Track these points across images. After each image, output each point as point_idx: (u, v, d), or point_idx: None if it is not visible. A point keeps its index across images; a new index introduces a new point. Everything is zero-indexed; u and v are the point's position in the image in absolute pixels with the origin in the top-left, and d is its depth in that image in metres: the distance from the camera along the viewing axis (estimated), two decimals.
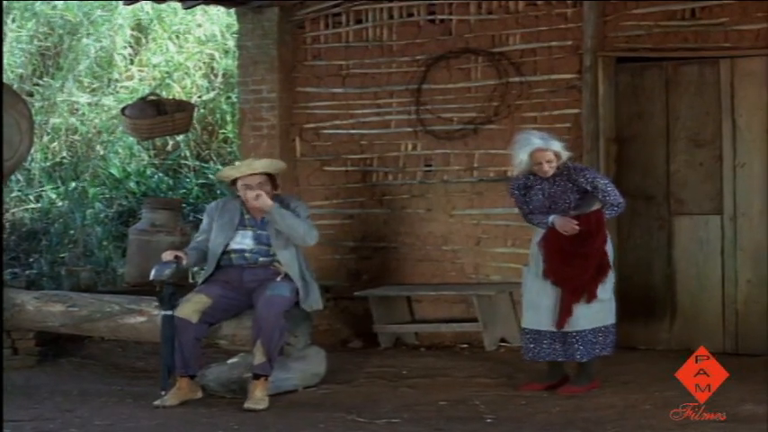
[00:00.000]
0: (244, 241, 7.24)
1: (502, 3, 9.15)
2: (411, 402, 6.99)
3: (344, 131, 9.75)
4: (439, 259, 9.42)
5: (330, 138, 9.79)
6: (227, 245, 7.24)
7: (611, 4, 8.73)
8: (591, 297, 7.12)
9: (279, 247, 7.20)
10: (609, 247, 7.27)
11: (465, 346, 9.04)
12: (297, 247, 7.26)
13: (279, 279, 7.12)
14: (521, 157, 7.25)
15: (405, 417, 6.53)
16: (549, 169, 7.21)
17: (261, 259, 7.21)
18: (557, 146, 7.23)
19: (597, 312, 7.17)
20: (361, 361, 8.42)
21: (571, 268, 7.15)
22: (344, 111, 9.73)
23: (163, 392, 6.93)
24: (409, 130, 9.51)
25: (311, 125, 9.84)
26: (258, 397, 6.81)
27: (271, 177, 7.30)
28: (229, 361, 7.34)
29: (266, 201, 7.11)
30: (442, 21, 9.39)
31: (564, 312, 7.12)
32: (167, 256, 7.20)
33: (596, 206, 7.21)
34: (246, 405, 6.75)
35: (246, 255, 7.22)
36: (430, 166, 9.46)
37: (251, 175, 7.21)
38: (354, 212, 9.69)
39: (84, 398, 7.14)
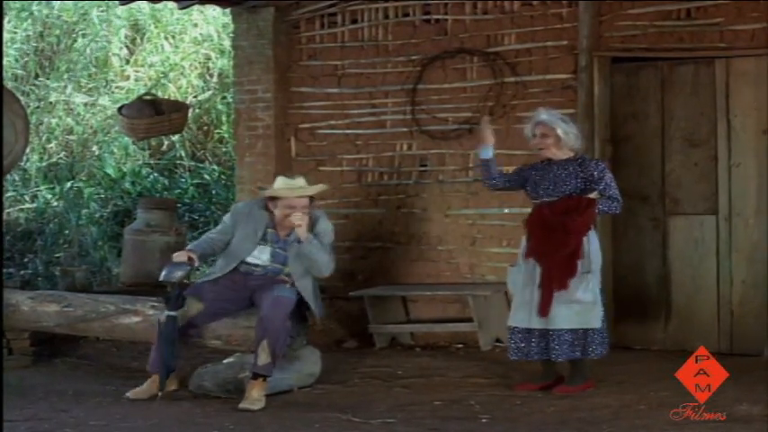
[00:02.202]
0: (261, 256, 7.18)
1: (497, 3, 9.16)
2: (406, 402, 6.99)
3: (340, 131, 9.75)
4: (434, 259, 9.42)
5: (325, 138, 9.79)
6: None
7: (606, 3, 8.74)
8: (560, 286, 7.06)
9: (296, 273, 7.16)
10: (595, 245, 7.20)
11: (460, 346, 9.03)
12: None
13: (288, 287, 7.12)
14: (526, 131, 7.37)
15: (399, 417, 6.52)
16: (539, 143, 7.24)
17: (270, 276, 7.18)
18: (561, 127, 7.21)
19: (578, 313, 7.11)
20: (356, 361, 8.42)
21: (551, 242, 7.12)
22: (340, 111, 9.73)
23: (160, 393, 6.92)
24: (404, 130, 9.51)
25: (306, 125, 9.84)
26: (255, 397, 6.79)
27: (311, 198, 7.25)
28: (225, 361, 7.31)
29: (304, 232, 7.06)
30: (437, 21, 9.40)
31: (545, 297, 7.07)
32: (180, 257, 7.06)
33: (592, 195, 7.21)
34: (242, 405, 6.73)
35: (258, 270, 7.17)
36: (425, 166, 9.46)
37: (299, 197, 7.12)
38: (350, 212, 9.69)
39: (78, 398, 7.12)
